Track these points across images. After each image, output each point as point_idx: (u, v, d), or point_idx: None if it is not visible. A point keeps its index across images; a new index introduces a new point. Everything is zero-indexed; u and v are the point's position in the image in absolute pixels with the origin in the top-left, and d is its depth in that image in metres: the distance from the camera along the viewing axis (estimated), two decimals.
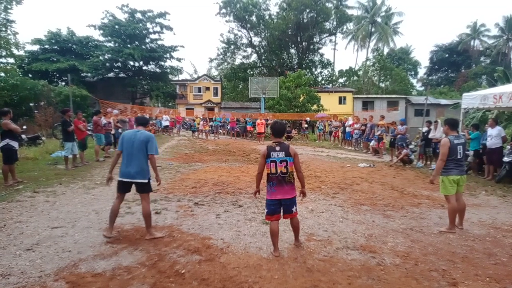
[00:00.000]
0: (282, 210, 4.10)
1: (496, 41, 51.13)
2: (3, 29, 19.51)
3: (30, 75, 30.51)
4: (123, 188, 4.58)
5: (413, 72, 59.59)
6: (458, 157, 5.02)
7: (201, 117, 25.70)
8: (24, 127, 15.85)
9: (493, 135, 9.39)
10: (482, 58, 54.95)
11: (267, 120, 24.37)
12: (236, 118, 27.96)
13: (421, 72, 62.48)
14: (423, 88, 58.54)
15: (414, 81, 59.00)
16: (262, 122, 21.50)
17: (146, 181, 4.56)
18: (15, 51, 20.90)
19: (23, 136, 13.59)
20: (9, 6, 19.38)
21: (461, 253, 4.29)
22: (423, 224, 5.37)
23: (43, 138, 15.69)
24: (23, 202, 6.14)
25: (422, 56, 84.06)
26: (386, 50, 54.46)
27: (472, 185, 8.77)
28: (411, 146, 13.10)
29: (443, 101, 37.46)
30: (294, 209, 4.10)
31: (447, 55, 57.42)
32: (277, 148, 4.00)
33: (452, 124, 5.24)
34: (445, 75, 60.28)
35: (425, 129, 12.22)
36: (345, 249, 4.31)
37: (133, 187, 4.59)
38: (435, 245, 4.53)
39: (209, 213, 5.73)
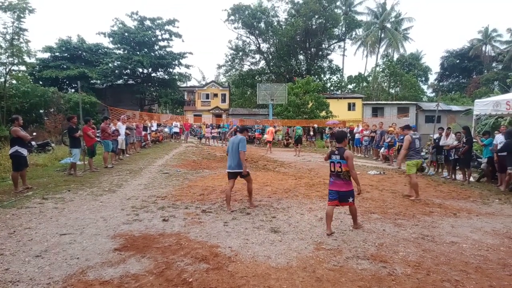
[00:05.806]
0: (339, 199, 5.10)
1: (509, 46, 50.10)
2: (16, 37, 19.89)
3: (40, 82, 31.02)
4: (231, 176, 6.49)
5: (423, 78, 59.23)
6: None
7: (208, 124, 25.69)
8: (34, 133, 16.01)
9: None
10: (494, 64, 54.09)
11: (275, 126, 24.17)
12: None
13: (432, 78, 62.17)
14: (433, 94, 58.03)
15: (424, 87, 58.68)
16: (272, 130, 20.88)
17: (242, 170, 6.33)
18: (26, 59, 21.25)
19: (33, 142, 13.73)
20: (22, 15, 19.74)
21: (474, 263, 4.18)
22: (435, 233, 5.26)
23: (53, 144, 15.82)
24: (32, 209, 6.18)
25: (433, 62, 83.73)
26: (396, 56, 54.38)
27: (485, 193, 8.61)
28: (422, 153, 12.90)
29: (455, 108, 37.04)
30: (350, 200, 5.12)
31: (458, 61, 56.89)
32: (336, 152, 5.15)
33: None
34: (456, 81, 59.69)
35: (436, 136, 12.05)
36: (355, 258, 4.22)
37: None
38: (447, 254, 4.42)
39: (217, 220, 5.69)
